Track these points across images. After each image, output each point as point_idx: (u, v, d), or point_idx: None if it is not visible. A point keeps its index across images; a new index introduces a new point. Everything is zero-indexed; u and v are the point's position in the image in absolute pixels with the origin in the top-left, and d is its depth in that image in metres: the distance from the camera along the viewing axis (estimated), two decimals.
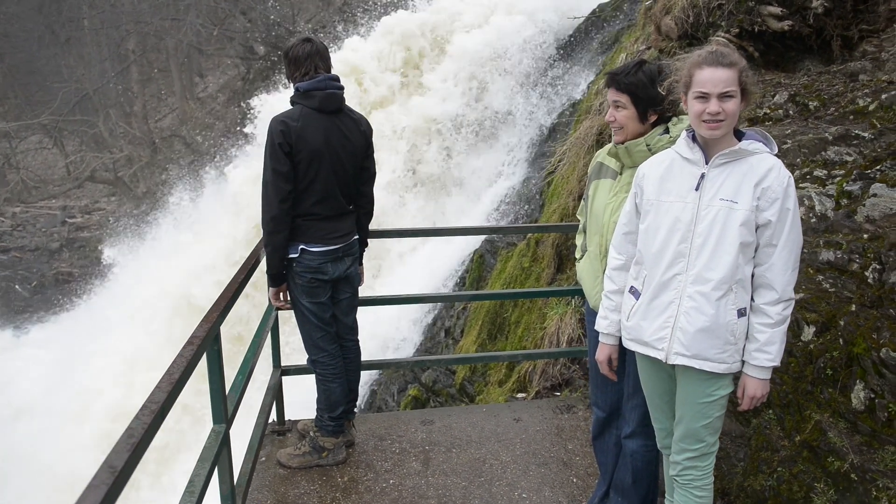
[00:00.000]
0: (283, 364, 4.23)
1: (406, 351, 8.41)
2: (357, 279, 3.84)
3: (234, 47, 25.68)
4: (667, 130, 2.76)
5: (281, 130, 3.33)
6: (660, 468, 3.02)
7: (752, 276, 2.38)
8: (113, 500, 1.57)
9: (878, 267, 2.96)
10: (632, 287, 2.59)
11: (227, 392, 2.88)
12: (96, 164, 24.53)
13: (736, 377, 2.50)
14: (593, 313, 2.95)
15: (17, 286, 21.00)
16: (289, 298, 3.65)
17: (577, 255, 3.12)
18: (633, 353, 2.69)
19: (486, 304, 7.15)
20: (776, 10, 5.17)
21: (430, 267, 9.20)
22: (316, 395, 3.79)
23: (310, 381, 3.88)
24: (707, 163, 2.40)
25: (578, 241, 3.15)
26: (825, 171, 3.68)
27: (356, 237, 3.73)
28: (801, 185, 3.65)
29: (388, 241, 10.12)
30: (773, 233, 2.31)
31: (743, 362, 2.42)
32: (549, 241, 6.46)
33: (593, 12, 10.82)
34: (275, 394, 4.04)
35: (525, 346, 6.05)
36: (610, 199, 2.86)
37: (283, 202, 3.36)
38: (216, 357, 2.73)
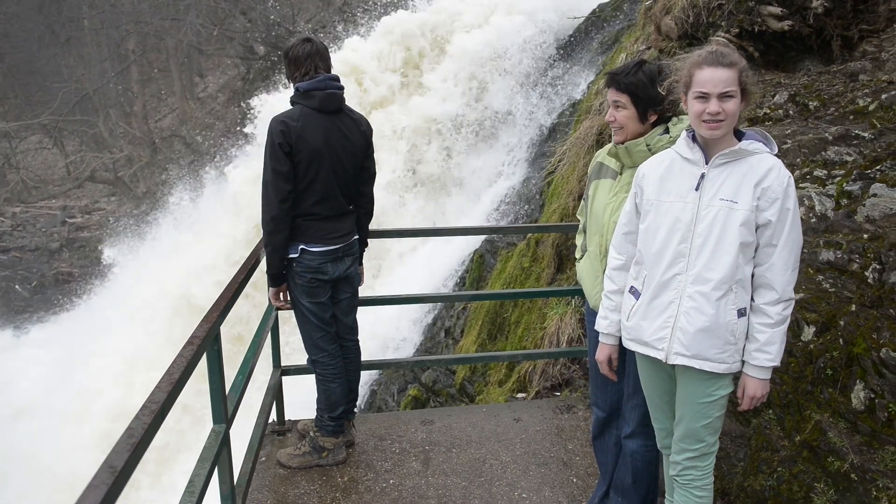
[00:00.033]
0: (283, 364, 4.23)
1: (406, 351, 8.41)
2: (357, 279, 3.84)
3: (234, 47, 25.68)
4: (667, 130, 2.76)
5: (281, 130, 3.33)
6: (660, 468, 3.02)
7: (752, 276, 2.39)
8: (113, 501, 1.57)
9: (878, 267, 2.96)
10: (632, 287, 2.59)
11: (227, 392, 2.88)
12: (96, 164, 24.53)
13: (736, 377, 2.50)
14: (593, 313, 2.95)
15: (17, 286, 21.00)
16: (289, 298, 3.65)
17: (577, 255, 3.12)
18: (632, 353, 2.69)
19: (486, 304, 7.15)
20: (776, 10, 5.17)
21: (430, 267, 9.19)
22: (316, 395, 3.79)
23: (310, 381, 3.88)
24: (707, 163, 2.40)
25: (578, 241, 3.15)
26: (825, 171, 3.68)
27: (356, 237, 3.73)
28: (801, 185, 3.65)
29: (388, 242, 10.11)
30: (773, 233, 2.31)
31: (743, 362, 2.43)
32: (549, 241, 6.46)
33: (593, 12, 10.80)
34: (275, 394, 4.04)
35: (525, 346, 6.05)
36: (610, 199, 2.86)
37: (283, 202, 3.36)
38: (216, 357, 2.73)
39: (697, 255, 2.37)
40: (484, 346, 6.86)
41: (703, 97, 2.33)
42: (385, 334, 8.61)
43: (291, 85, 3.54)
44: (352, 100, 4.16)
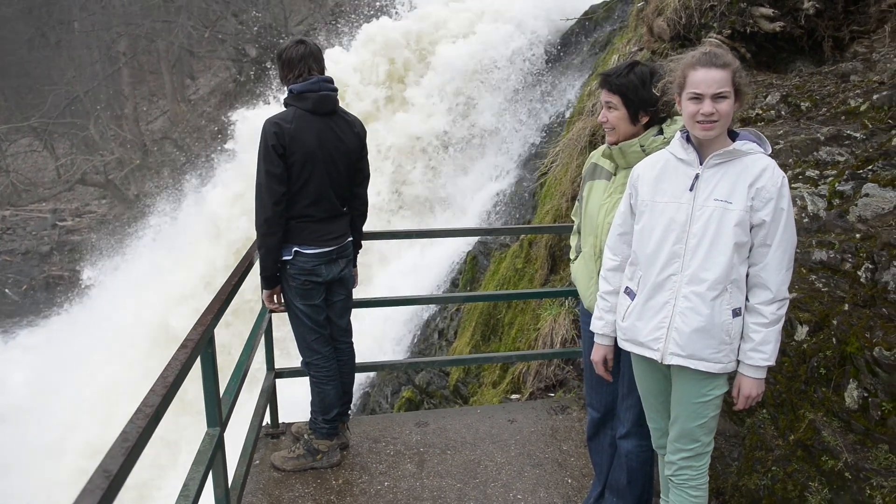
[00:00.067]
0: (276, 367, 4.22)
1: (399, 353, 8.40)
2: (351, 281, 3.83)
3: (226, 49, 25.64)
4: (661, 131, 2.77)
5: (274, 132, 3.32)
6: (655, 468, 3.02)
7: (747, 275, 2.39)
8: None
9: (870, 266, 2.97)
10: (627, 288, 2.59)
11: (221, 395, 2.87)
12: (87, 167, 24.42)
13: (731, 377, 2.50)
14: (588, 314, 2.96)
15: (6, 290, 20.88)
16: (282, 301, 3.64)
17: (572, 256, 3.13)
18: (627, 353, 2.70)
19: (480, 306, 7.15)
20: (768, 11, 5.19)
21: (423, 268, 9.18)
22: (310, 398, 3.77)
23: (304, 383, 3.87)
24: (701, 163, 2.40)
25: (573, 241, 3.15)
26: (817, 172, 3.70)
27: (350, 239, 3.72)
28: (793, 185, 3.66)
29: (382, 248, 10.07)
30: (768, 233, 2.32)
31: (738, 362, 2.43)
32: (542, 242, 6.46)
33: (585, 13, 10.76)
34: (269, 397, 4.03)
35: (519, 348, 6.05)
36: (604, 199, 2.87)
37: (276, 204, 3.35)
38: (210, 360, 2.72)
39: (692, 256, 2.37)
40: (478, 347, 6.86)
41: (697, 98, 2.33)
42: (378, 336, 8.60)
43: (285, 88, 3.53)
44: None
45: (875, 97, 4.01)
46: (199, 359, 2.58)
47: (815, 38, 5.23)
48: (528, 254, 6.83)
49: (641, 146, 2.74)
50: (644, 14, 6.25)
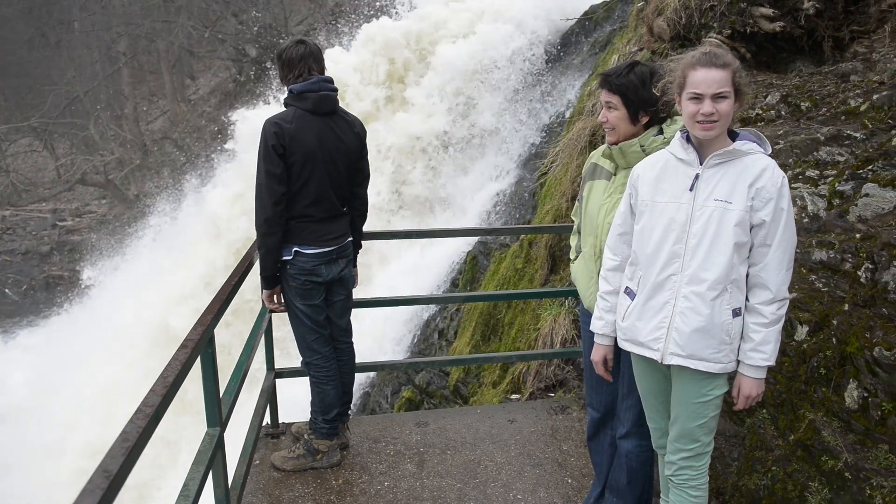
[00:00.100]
0: (276, 367, 4.22)
1: (399, 353, 8.41)
2: (351, 281, 3.83)
3: (226, 49, 25.65)
4: (661, 131, 2.77)
5: (274, 132, 3.32)
6: (655, 468, 3.02)
7: (747, 275, 2.39)
8: None
9: (870, 266, 2.97)
10: (627, 288, 2.59)
11: (221, 395, 2.87)
12: (87, 167, 24.43)
13: (731, 377, 2.50)
14: (588, 314, 2.96)
15: (6, 290, 20.89)
16: (282, 301, 3.64)
17: (572, 256, 3.13)
18: (627, 353, 2.70)
19: (480, 306, 7.15)
20: (768, 11, 5.19)
21: (423, 268, 9.17)
22: (310, 398, 3.77)
23: (304, 383, 3.87)
24: (701, 163, 2.40)
25: (573, 242, 3.15)
26: (817, 172, 3.70)
27: (350, 239, 3.72)
28: (793, 185, 3.66)
29: (382, 248, 10.06)
30: (768, 233, 2.32)
31: (738, 362, 2.43)
32: (542, 242, 6.46)
33: (585, 13, 10.75)
34: (269, 396, 4.03)
35: (519, 348, 6.05)
36: (604, 199, 2.87)
37: (276, 204, 3.34)
38: (210, 360, 2.72)
39: (692, 256, 2.37)
40: (477, 347, 6.86)
41: (697, 98, 2.33)
42: (378, 336, 8.60)
43: (285, 88, 3.53)
44: None
45: (875, 97, 4.01)
46: (199, 359, 2.58)
47: (815, 38, 5.23)
48: (528, 254, 6.83)
49: (641, 146, 2.74)
50: (644, 14, 6.25)
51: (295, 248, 3.46)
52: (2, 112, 27.41)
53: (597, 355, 2.80)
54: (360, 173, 3.70)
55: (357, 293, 4.03)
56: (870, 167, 3.43)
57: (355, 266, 3.89)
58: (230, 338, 9.22)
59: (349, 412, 4.05)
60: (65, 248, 22.41)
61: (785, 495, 2.91)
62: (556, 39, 11.03)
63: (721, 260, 2.33)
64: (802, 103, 4.46)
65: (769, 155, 2.39)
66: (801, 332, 3.10)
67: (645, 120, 2.77)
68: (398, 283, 8.85)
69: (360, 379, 8.25)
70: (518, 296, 6.13)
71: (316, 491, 3.59)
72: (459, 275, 8.42)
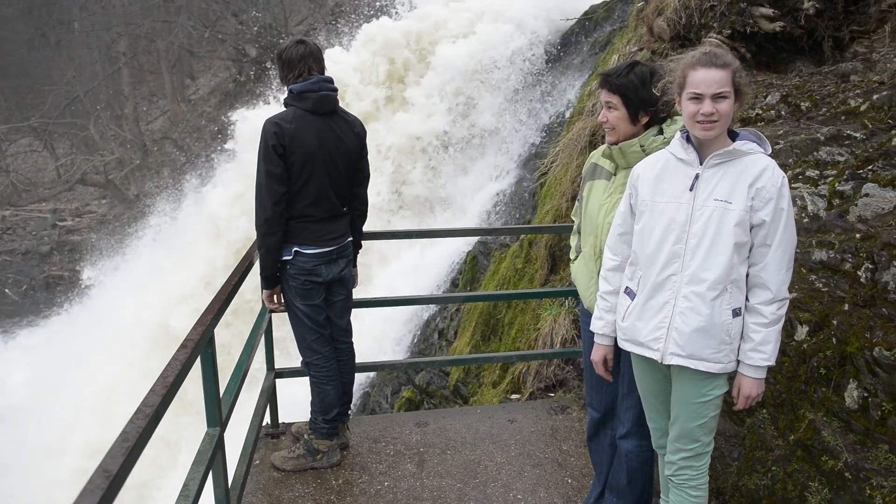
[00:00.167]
0: (276, 367, 4.22)
1: (399, 353, 8.41)
2: (351, 281, 3.83)
3: (226, 49, 25.65)
4: (661, 131, 2.77)
5: (274, 132, 3.32)
6: (655, 468, 3.02)
7: (747, 275, 2.39)
8: None
9: (870, 266, 2.97)
10: (627, 288, 2.59)
11: (221, 395, 2.87)
12: (87, 167, 24.43)
13: (731, 377, 2.50)
14: (588, 314, 2.96)
15: (6, 290, 20.89)
16: (282, 301, 3.64)
17: (572, 256, 3.13)
18: (627, 353, 2.70)
19: (480, 306, 7.15)
20: (768, 11, 5.19)
21: (423, 268, 9.17)
22: (310, 398, 3.77)
23: (304, 383, 3.87)
24: (701, 163, 2.40)
25: (573, 241, 3.15)
26: (817, 172, 3.70)
27: (350, 239, 3.72)
28: (793, 185, 3.66)
29: (382, 248, 10.06)
30: (768, 233, 2.32)
31: (738, 362, 2.43)
32: (542, 242, 6.46)
33: (585, 13, 10.75)
34: (268, 396, 4.03)
35: (519, 348, 6.05)
36: (604, 199, 2.87)
37: (276, 204, 3.35)
38: (210, 360, 2.72)
39: (692, 256, 2.37)
40: (477, 347, 6.86)
41: (697, 98, 2.33)
42: (378, 336, 8.60)
43: (285, 88, 3.53)
44: None
45: (875, 97, 4.01)
46: (199, 359, 2.58)
47: (815, 38, 5.23)
48: (528, 254, 6.83)
49: (641, 146, 2.74)
50: (644, 14, 6.25)
51: (295, 248, 3.46)
52: (2, 112, 27.41)
53: (597, 355, 2.80)
54: (360, 173, 3.70)
55: (357, 293, 4.03)
56: (870, 167, 3.43)
57: (355, 266, 3.89)
58: (230, 338, 9.21)
59: (349, 412, 4.05)
60: (65, 248, 22.41)
61: (785, 495, 2.91)
62: (556, 39, 11.01)
63: (721, 260, 2.33)
64: (802, 103, 4.46)
65: (769, 155, 2.39)
66: (801, 332, 3.10)
67: (645, 120, 2.77)
68: (398, 283, 8.85)
69: (360, 379, 8.25)
70: (518, 296, 6.13)
71: (316, 491, 3.59)
72: (459, 275, 8.42)
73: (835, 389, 2.89)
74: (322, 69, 3.53)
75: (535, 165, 8.64)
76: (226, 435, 2.84)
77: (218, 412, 2.77)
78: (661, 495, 2.83)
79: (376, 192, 10.54)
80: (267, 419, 4.11)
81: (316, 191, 3.44)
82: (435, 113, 10.89)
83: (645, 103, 2.74)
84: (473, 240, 8.47)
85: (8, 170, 24.89)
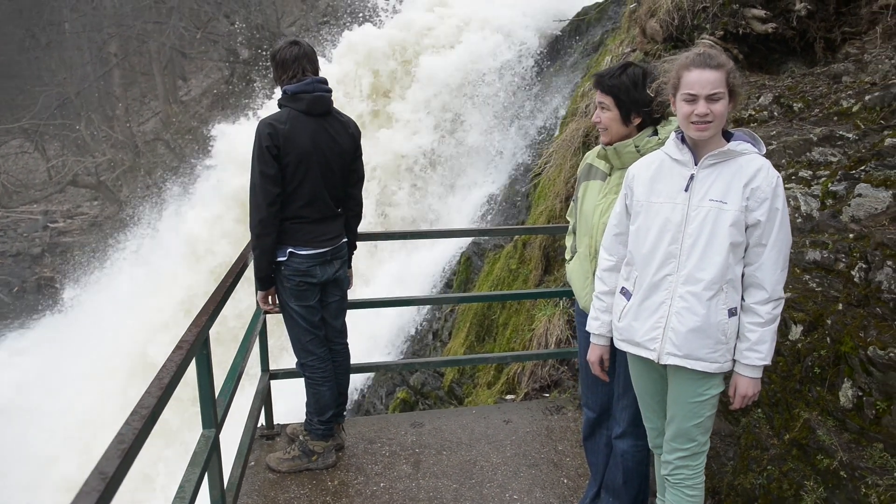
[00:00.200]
0: (271, 368, 4.21)
1: (394, 354, 8.40)
2: (346, 282, 3.83)
3: (218, 50, 25.59)
4: (655, 132, 2.78)
5: (268, 133, 3.31)
6: (651, 468, 3.03)
7: (743, 275, 2.40)
8: None
9: (864, 266, 2.99)
10: (623, 288, 2.60)
11: (216, 396, 2.86)
12: (78, 169, 24.32)
13: (727, 376, 2.51)
14: (583, 314, 2.96)
15: None
16: (277, 302, 3.63)
17: (567, 257, 3.13)
18: (622, 353, 2.70)
19: (474, 307, 7.15)
20: (760, 12, 5.21)
21: (417, 269, 9.15)
22: (305, 399, 3.77)
23: (299, 385, 3.86)
24: (696, 164, 2.41)
25: (568, 242, 3.16)
26: (810, 172, 3.72)
27: (345, 240, 3.72)
28: (786, 185, 3.68)
29: (377, 250, 10.02)
30: (763, 232, 2.33)
31: (734, 362, 2.44)
32: (536, 242, 6.47)
33: (577, 14, 10.67)
34: (263, 398, 4.02)
35: (513, 348, 6.05)
36: (599, 200, 2.87)
37: (271, 205, 3.34)
38: (205, 361, 2.71)
39: (688, 256, 2.38)
40: (472, 348, 6.86)
41: (692, 99, 2.34)
42: (373, 337, 8.58)
43: (277, 90, 3.52)
44: None
45: (867, 98, 4.03)
46: (194, 360, 2.57)
47: (806, 39, 5.25)
48: (522, 254, 6.84)
49: (636, 147, 2.75)
50: (637, 15, 6.27)
51: (289, 249, 3.46)
52: None
53: (593, 355, 2.80)
54: (354, 174, 3.70)
55: (352, 294, 4.03)
56: (862, 167, 3.45)
57: (350, 267, 3.89)
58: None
59: (344, 413, 4.04)
60: (56, 250, 22.31)
61: (780, 494, 2.92)
62: (545, 43, 10.85)
63: (717, 260, 2.34)
64: (795, 104, 4.48)
65: (763, 155, 2.40)
66: (796, 331, 3.11)
67: (637, 121, 2.78)
68: (393, 284, 8.84)
69: (355, 380, 8.23)
70: (513, 296, 6.13)
71: (311, 492, 3.58)
72: (453, 276, 8.42)
73: (829, 389, 2.90)
74: (316, 70, 3.53)
75: (525, 179, 8.50)
76: (221, 436, 2.83)
77: (213, 414, 2.75)
78: (658, 495, 2.84)
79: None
80: (262, 420, 4.10)
81: (310, 192, 3.43)
82: (420, 129, 10.49)
83: (637, 104, 2.75)
84: (467, 241, 8.46)
85: None
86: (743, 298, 2.41)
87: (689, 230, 2.38)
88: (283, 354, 7.03)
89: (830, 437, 2.82)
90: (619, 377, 2.93)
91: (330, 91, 3.52)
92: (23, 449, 11.49)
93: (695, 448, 2.54)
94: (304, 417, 3.80)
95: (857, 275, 2.99)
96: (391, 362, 6.75)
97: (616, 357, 2.85)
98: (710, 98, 2.32)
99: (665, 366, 2.50)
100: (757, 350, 2.37)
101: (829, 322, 2.97)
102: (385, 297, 6.18)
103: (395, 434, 4.18)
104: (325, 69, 11.46)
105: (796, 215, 3.49)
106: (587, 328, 2.80)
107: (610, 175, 2.88)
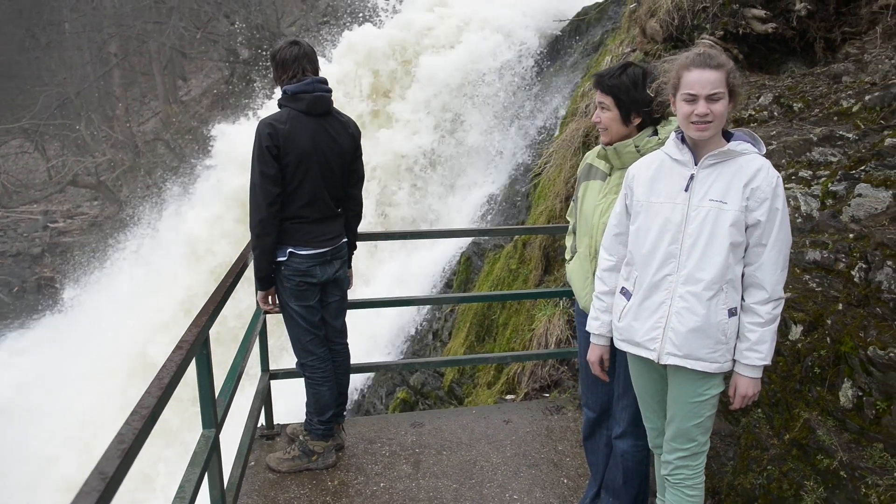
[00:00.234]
0: (271, 368, 4.21)
1: (394, 354, 8.40)
2: (346, 282, 3.83)
3: (218, 50, 25.59)
4: (655, 132, 2.78)
5: (268, 133, 3.31)
6: (651, 468, 3.03)
7: (743, 275, 2.40)
8: None
9: (863, 266, 2.98)
10: (623, 288, 2.60)
11: (216, 396, 2.86)
12: (78, 169, 24.31)
13: (727, 376, 2.51)
14: (583, 314, 2.96)
15: None
16: (277, 302, 3.63)
17: (567, 257, 3.13)
18: (622, 353, 2.70)
19: (474, 307, 7.15)
20: (760, 12, 5.21)
21: (417, 270, 9.14)
22: (305, 399, 3.77)
23: (299, 384, 3.86)
24: (696, 164, 2.41)
25: (568, 242, 3.16)
26: (810, 172, 3.72)
27: (345, 240, 3.72)
28: (786, 185, 3.68)
29: (377, 249, 10.00)
30: (763, 232, 2.33)
31: (734, 362, 2.44)
32: (536, 242, 6.47)
33: (577, 14, 10.67)
34: (263, 398, 4.02)
35: (513, 348, 6.05)
36: (599, 200, 2.87)
37: (271, 205, 3.34)
38: (205, 361, 2.71)
39: (688, 256, 2.38)
40: (472, 348, 6.86)
41: (692, 99, 2.34)
42: (373, 337, 8.58)
43: (277, 90, 3.52)
44: None
45: (867, 98, 4.03)
46: (194, 360, 2.57)
47: (806, 39, 5.25)
48: (522, 254, 6.84)
49: (636, 147, 2.75)
50: (637, 15, 6.27)
51: (289, 249, 3.46)
52: None
53: (593, 355, 2.80)
54: (354, 174, 3.70)
55: (352, 294, 4.03)
56: (862, 167, 3.45)
57: (350, 267, 3.89)
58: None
59: (344, 413, 4.04)
60: (56, 250, 22.31)
61: (780, 494, 2.92)
62: (545, 43, 10.86)
63: (717, 260, 2.34)
64: (795, 104, 4.48)
65: (763, 155, 2.40)
66: (796, 331, 3.11)
67: (637, 121, 2.78)
68: (393, 284, 8.83)
69: (355, 380, 8.23)
70: (513, 296, 6.13)
71: (311, 492, 3.58)
72: (453, 276, 8.42)
73: (829, 389, 2.90)
74: (316, 70, 3.53)
75: (525, 180, 8.51)
76: (221, 436, 2.83)
77: (213, 414, 2.75)
78: (658, 495, 2.84)
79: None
80: (262, 420, 4.10)
81: (310, 192, 3.43)
82: (420, 129, 10.48)
83: (637, 104, 2.75)
84: (467, 241, 8.46)
85: None
86: (743, 298, 2.41)
87: (689, 230, 2.38)
88: (283, 354, 7.07)
89: (830, 437, 2.82)
90: (619, 377, 2.93)
91: (330, 91, 3.52)
92: (23, 449, 11.47)
93: (695, 448, 2.54)
94: (304, 417, 3.80)
95: (857, 275, 2.99)
96: (391, 362, 6.74)
97: (616, 357, 2.85)
98: (710, 98, 2.32)
99: (665, 366, 2.50)
100: (757, 350, 2.37)
101: (829, 322, 2.97)
102: (385, 297, 6.18)
103: (395, 434, 4.18)
104: (325, 69, 11.43)
105: (796, 215, 3.49)
106: (587, 328, 2.80)
107: (610, 175, 2.88)
